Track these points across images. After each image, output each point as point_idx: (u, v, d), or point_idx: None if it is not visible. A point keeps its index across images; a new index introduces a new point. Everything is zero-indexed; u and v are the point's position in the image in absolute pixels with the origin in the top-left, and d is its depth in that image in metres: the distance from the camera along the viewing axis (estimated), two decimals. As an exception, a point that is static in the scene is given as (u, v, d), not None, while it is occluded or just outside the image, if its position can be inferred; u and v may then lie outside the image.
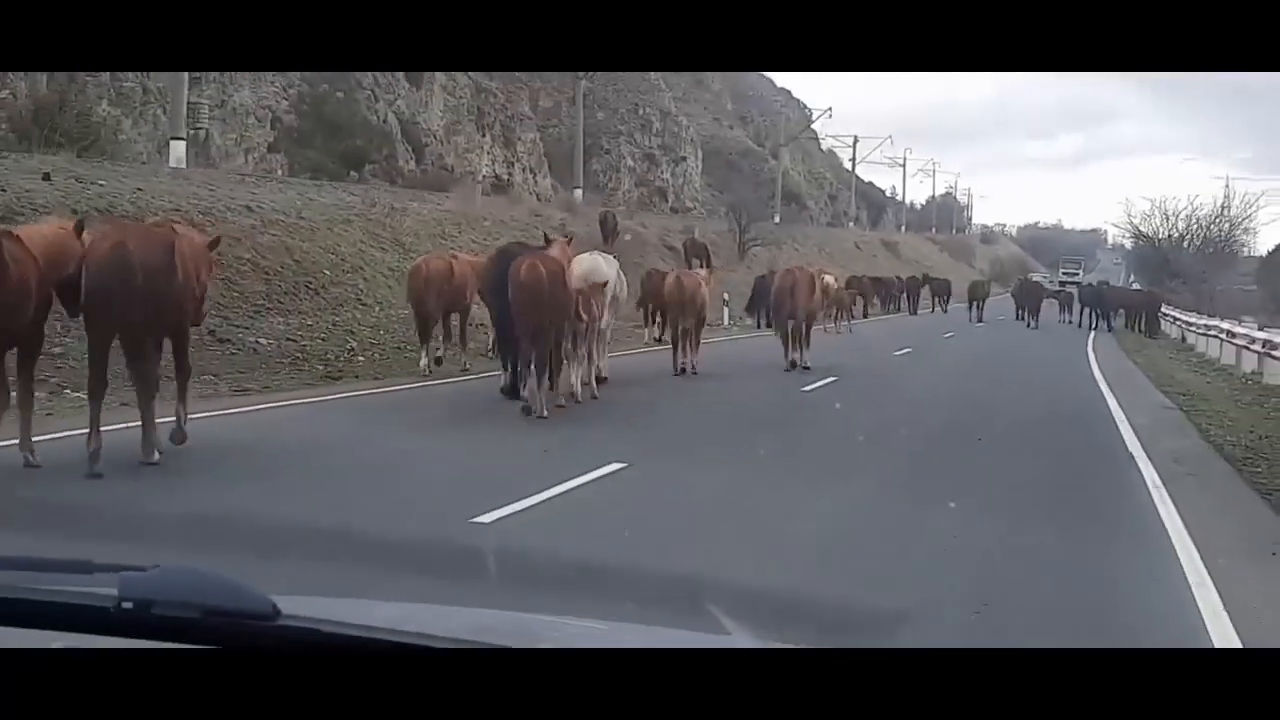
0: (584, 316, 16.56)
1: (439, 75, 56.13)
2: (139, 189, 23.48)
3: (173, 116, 33.72)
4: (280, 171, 40.65)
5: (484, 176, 54.38)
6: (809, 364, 22.54)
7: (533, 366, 13.99)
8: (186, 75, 33.93)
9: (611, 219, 40.57)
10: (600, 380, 17.12)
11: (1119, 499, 9.80)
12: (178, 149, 32.99)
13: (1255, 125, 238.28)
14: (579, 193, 54.60)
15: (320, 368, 18.75)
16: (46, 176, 22.18)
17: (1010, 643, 4.64)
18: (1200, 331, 32.28)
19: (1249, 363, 24.41)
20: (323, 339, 21.53)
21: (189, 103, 34.57)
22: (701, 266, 46.02)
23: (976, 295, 51.17)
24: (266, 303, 22.24)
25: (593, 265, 18.79)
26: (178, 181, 26.36)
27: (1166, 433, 14.39)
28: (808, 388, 17.65)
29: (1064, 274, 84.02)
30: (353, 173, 42.74)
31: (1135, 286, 65.70)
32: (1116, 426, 14.68)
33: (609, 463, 9.71)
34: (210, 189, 26.29)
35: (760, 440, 12.34)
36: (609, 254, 20.52)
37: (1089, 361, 27.47)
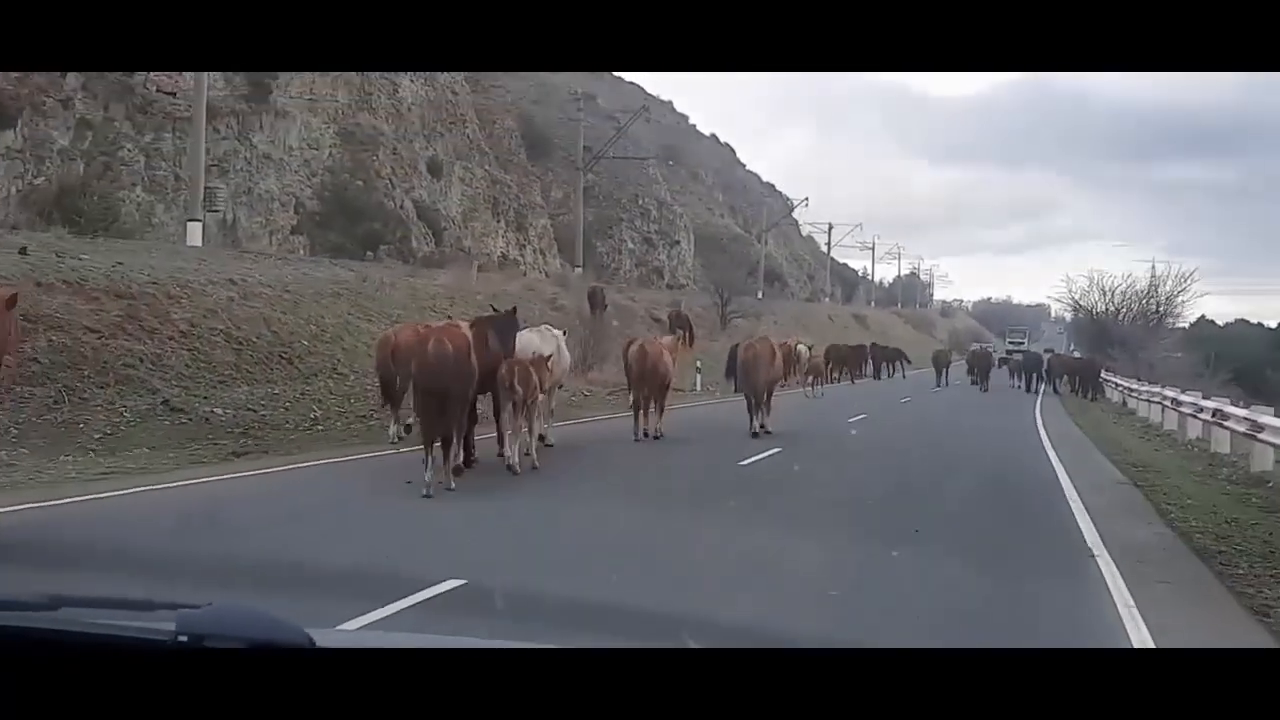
0: (517, 389, 13.82)
1: (457, 168, 53.75)
2: (119, 263, 20.58)
3: (190, 200, 31.09)
4: (302, 252, 37.94)
5: (498, 257, 51.73)
6: (769, 429, 19.83)
7: (457, 443, 11.43)
8: (204, 162, 31.35)
9: (599, 294, 37.54)
10: (535, 451, 14.22)
11: (1082, 627, 6.50)
12: (194, 230, 30.38)
13: (1173, 218, 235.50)
14: (579, 271, 51.98)
15: (229, 442, 15.54)
16: (23, 250, 19.34)
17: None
18: (1144, 398, 28.83)
19: (1193, 429, 21.15)
20: (286, 408, 18.50)
21: (206, 187, 31.87)
22: (684, 336, 43.27)
23: (941, 363, 47.89)
24: (234, 373, 19.24)
25: (530, 339, 16.05)
26: (169, 257, 23.53)
27: (1126, 517, 11.11)
28: (745, 461, 14.30)
29: (1010, 343, 79.01)
30: (369, 253, 39.97)
31: (1075, 354, 62.52)
32: (1070, 507, 11.33)
33: (444, 580, 6.53)
34: (201, 264, 23.39)
35: (659, 538, 8.94)
36: (551, 328, 17.70)
37: (1038, 429, 24.07)
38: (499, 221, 57.94)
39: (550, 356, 15.28)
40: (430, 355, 11.41)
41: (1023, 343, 78.69)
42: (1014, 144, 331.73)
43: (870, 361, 50.34)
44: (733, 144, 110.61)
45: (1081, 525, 10.04)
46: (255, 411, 17.88)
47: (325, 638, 1.71)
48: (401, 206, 44.40)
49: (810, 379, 36.22)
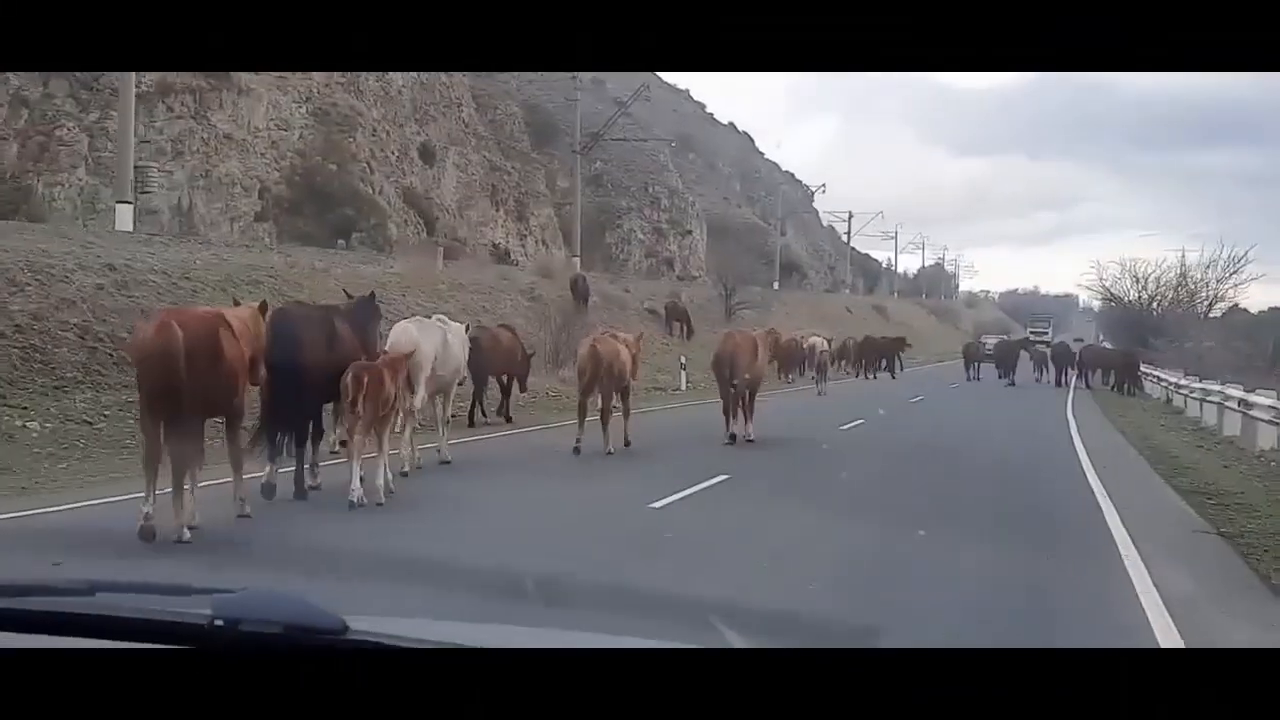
0: (360, 406, 9.92)
1: (451, 154, 49.84)
2: (-42, 244, 16.72)
3: (118, 181, 27.21)
4: (267, 240, 34.05)
5: (490, 246, 47.72)
6: (752, 436, 16.17)
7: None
8: (133, 141, 27.41)
9: (582, 283, 33.38)
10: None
11: None
12: (124, 213, 26.51)
13: (1199, 206, 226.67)
14: (576, 260, 47.89)
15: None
16: None
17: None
18: (1196, 396, 24.02)
19: (1266, 437, 16.68)
20: (137, 418, 14.46)
21: (137, 166, 27.98)
22: (682, 330, 39.04)
23: (971, 356, 42.78)
24: (80, 375, 15.29)
25: (404, 332, 12.05)
26: (45, 238, 19.64)
27: (1224, 611, 6.73)
28: (661, 502, 9.63)
29: (1033, 333, 69.46)
30: (340, 241, 36.03)
31: (1105, 344, 57.47)
32: (1134, 594, 6.82)
33: None
34: (86, 247, 19.52)
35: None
36: (433, 319, 13.63)
37: (1071, 437, 19.35)
38: (498, 211, 53.91)
39: (412, 355, 11.20)
40: (151, 345, 7.55)
41: (1047, 332, 71.32)
42: (1038, 133, 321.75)
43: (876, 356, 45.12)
44: (751, 133, 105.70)
45: (1161, 640, 5.70)
46: (91, 425, 13.99)
47: (358, 623, 1.64)
48: (380, 192, 40.36)
49: (817, 374, 31.84)
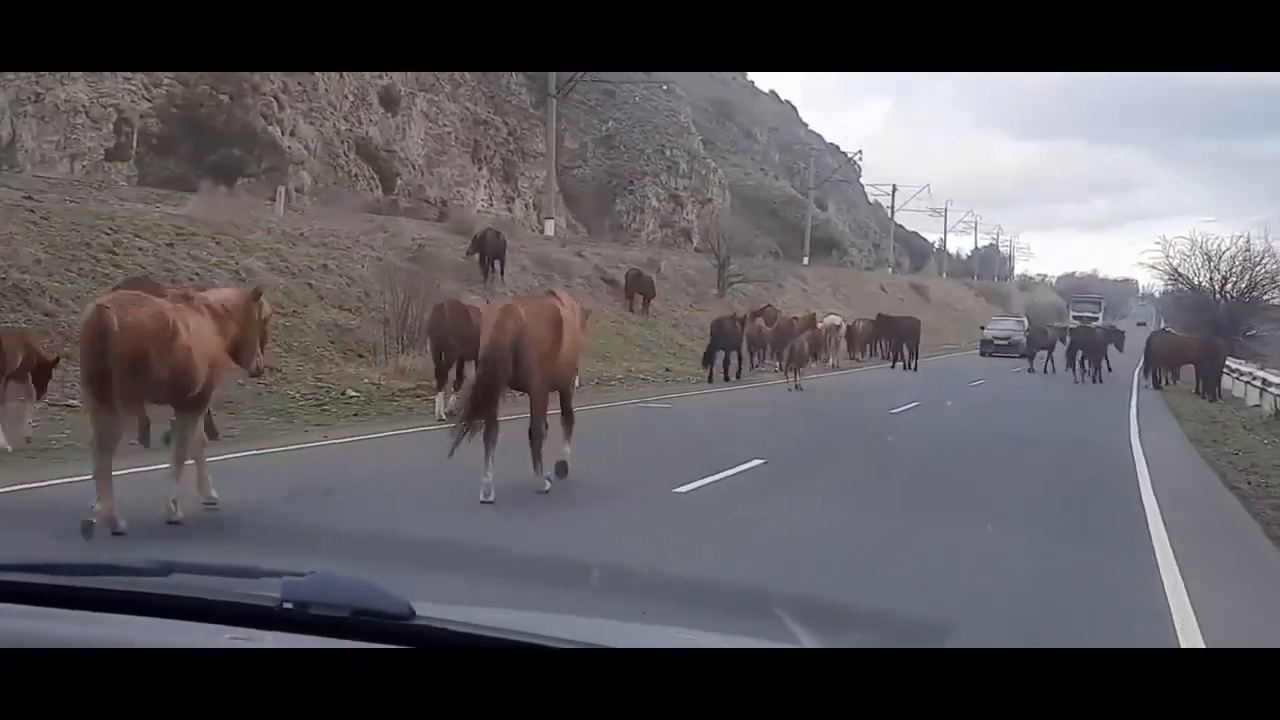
0: None
1: (419, 101, 40.90)
2: None
3: None
4: (125, 184, 25.37)
5: (444, 204, 38.75)
6: (566, 454, 8.50)
7: None
8: None
9: (491, 240, 23.93)
10: None
11: None
12: None
13: (1262, 192, 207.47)
14: (551, 224, 38.81)
15: None
16: None
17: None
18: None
19: None
20: None
21: None
22: (644, 305, 29.74)
23: (1038, 344, 32.12)
24: None
25: None
26: None
27: None
28: None
29: (1076, 317, 54.50)
30: (221, 187, 27.23)
31: (1167, 330, 46.09)
32: None
33: None
34: None
35: None
36: None
37: (1145, 522, 8.63)
38: (480, 169, 44.85)
39: None
40: None
41: (1096, 317, 55.03)
42: (1096, 117, 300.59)
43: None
44: (795, 102, 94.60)
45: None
46: None
47: (425, 609, 1.56)
48: (292, 132, 31.34)
49: (789, 364, 22.01)
